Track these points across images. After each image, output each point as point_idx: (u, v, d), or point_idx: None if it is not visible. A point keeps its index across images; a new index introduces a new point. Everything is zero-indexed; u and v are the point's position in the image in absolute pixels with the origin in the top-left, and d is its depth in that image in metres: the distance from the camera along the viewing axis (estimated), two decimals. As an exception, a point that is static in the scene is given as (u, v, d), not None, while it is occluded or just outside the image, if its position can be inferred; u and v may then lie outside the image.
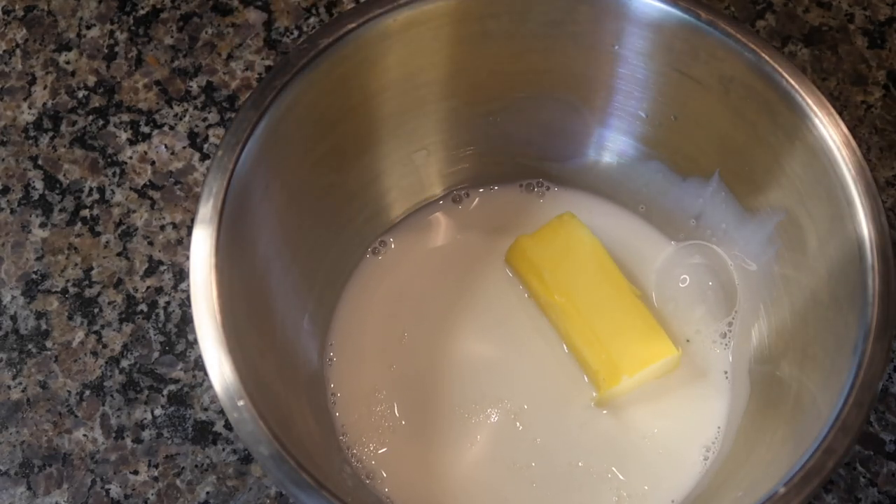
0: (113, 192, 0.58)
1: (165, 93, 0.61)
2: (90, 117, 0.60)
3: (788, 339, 0.48)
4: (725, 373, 0.52)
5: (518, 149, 0.55)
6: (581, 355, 0.52)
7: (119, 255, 0.57)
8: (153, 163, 0.59)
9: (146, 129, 0.60)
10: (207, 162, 0.59)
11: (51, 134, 0.60)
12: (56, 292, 0.56)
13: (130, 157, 0.59)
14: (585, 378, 0.52)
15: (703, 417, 0.51)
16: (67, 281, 0.56)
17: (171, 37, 0.62)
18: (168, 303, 0.56)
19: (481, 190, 0.57)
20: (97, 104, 0.60)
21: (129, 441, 0.53)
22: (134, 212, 0.58)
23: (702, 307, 0.54)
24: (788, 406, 0.46)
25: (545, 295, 0.53)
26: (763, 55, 0.45)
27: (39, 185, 0.58)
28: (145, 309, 0.55)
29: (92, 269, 0.56)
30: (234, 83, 0.61)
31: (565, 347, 0.53)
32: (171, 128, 0.60)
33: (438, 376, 0.52)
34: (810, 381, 0.45)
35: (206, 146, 0.59)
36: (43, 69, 0.61)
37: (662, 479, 0.50)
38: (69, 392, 0.54)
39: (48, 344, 0.55)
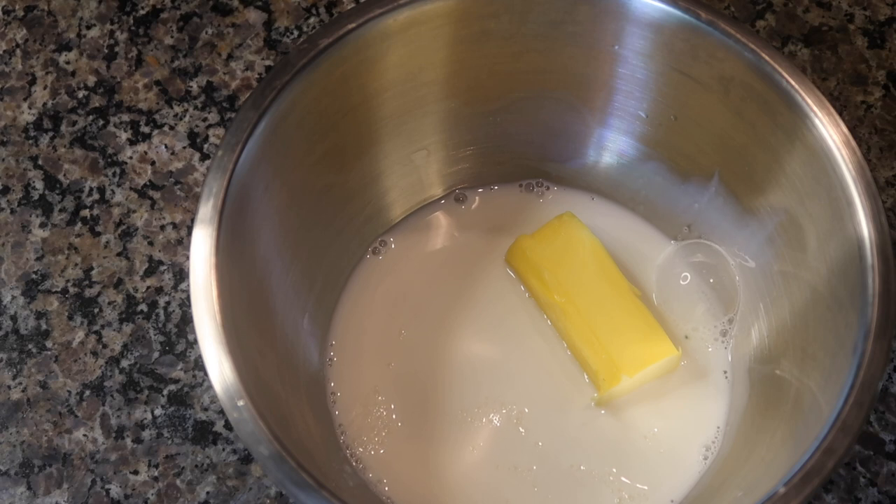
0: (113, 192, 0.58)
1: (165, 93, 0.61)
2: (90, 117, 0.60)
3: (788, 338, 0.48)
4: (725, 372, 0.52)
5: (518, 149, 0.55)
6: (581, 355, 0.52)
7: (119, 255, 0.57)
8: (153, 163, 0.59)
9: (146, 129, 0.60)
10: (207, 162, 0.59)
11: (51, 134, 0.60)
12: (56, 292, 0.56)
13: (130, 157, 0.59)
14: (586, 378, 0.52)
15: (703, 417, 0.51)
16: (67, 281, 0.56)
17: (171, 37, 0.62)
18: (168, 303, 0.56)
19: (481, 190, 0.57)
20: (97, 104, 0.60)
21: (129, 441, 0.53)
22: (134, 212, 0.58)
23: (702, 305, 0.54)
24: (788, 406, 0.46)
25: (545, 295, 0.53)
26: (763, 55, 0.45)
27: (39, 185, 0.58)
28: (145, 309, 0.55)
29: (92, 269, 0.56)
30: (234, 83, 0.61)
31: (565, 347, 0.53)
32: (171, 128, 0.60)
33: (438, 376, 0.52)
34: (810, 381, 0.45)
35: (206, 146, 0.59)
36: (43, 69, 0.61)
37: (662, 478, 0.50)
38: (69, 392, 0.54)
39: (48, 344, 0.55)
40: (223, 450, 0.53)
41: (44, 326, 0.55)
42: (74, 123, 0.60)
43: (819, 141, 0.44)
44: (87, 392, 0.54)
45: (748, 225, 0.51)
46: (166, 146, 0.59)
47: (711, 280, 0.54)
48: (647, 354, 0.50)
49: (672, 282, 0.55)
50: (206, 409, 0.53)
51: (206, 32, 0.62)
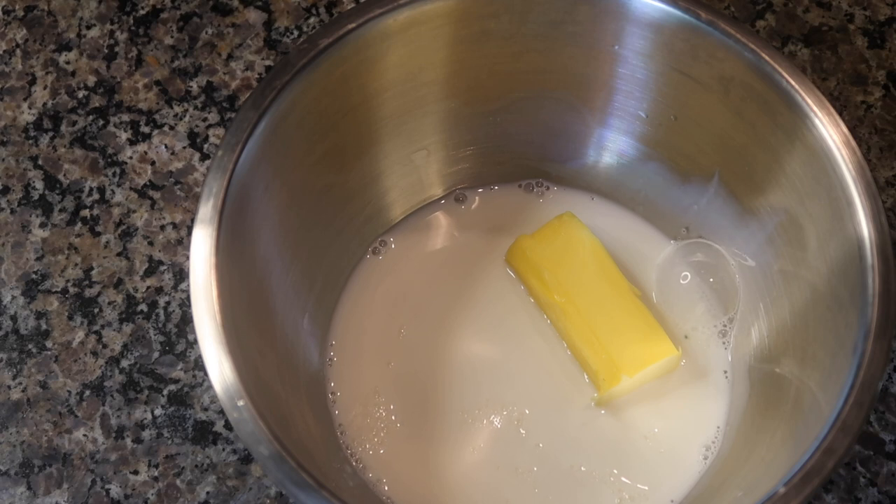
0: (113, 192, 0.58)
1: (165, 93, 0.61)
2: (90, 117, 0.60)
3: (788, 338, 0.48)
4: (725, 372, 0.52)
5: (518, 149, 0.55)
6: (581, 355, 0.52)
7: (119, 255, 0.57)
8: (153, 163, 0.59)
9: (146, 129, 0.60)
10: (207, 162, 0.59)
11: (51, 134, 0.60)
12: (56, 292, 0.56)
13: (130, 157, 0.59)
14: (586, 378, 0.52)
15: (703, 417, 0.51)
16: (67, 281, 0.56)
17: (171, 37, 0.62)
18: (168, 303, 0.56)
19: (481, 190, 0.57)
20: (97, 104, 0.60)
21: (129, 441, 0.53)
22: (134, 212, 0.58)
23: (702, 305, 0.54)
24: (788, 406, 0.46)
25: (545, 295, 0.53)
26: (763, 55, 0.45)
27: (39, 185, 0.58)
28: (145, 309, 0.55)
29: (92, 269, 0.56)
30: (234, 83, 0.61)
31: (565, 347, 0.53)
32: (171, 128, 0.60)
33: (439, 376, 0.52)
34: (810, 381, 0.45)
35: (206, 146, 0.59)
36: (43, 69, 0.61)
37: (662, 478, 0.50)
38: (69, 392, 0.54)
39: (48, 344, 0.55)
40: (223, 450, 0.53)
41: (44, 326, 0.55)
42: (74, 123, 0.60)
43: (819, 141, 0.44)
44: (87, 392, 0.54)
45: (748, 225, 0.51)
46: (166, 146, 0.59)
47: (711, 280, 0.54)
48: (647, 354, 0.50)
49: (672, 281, 0.55)
50: (206, 409, 0.53)
51: (206, 32, 0.62)
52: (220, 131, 0.60)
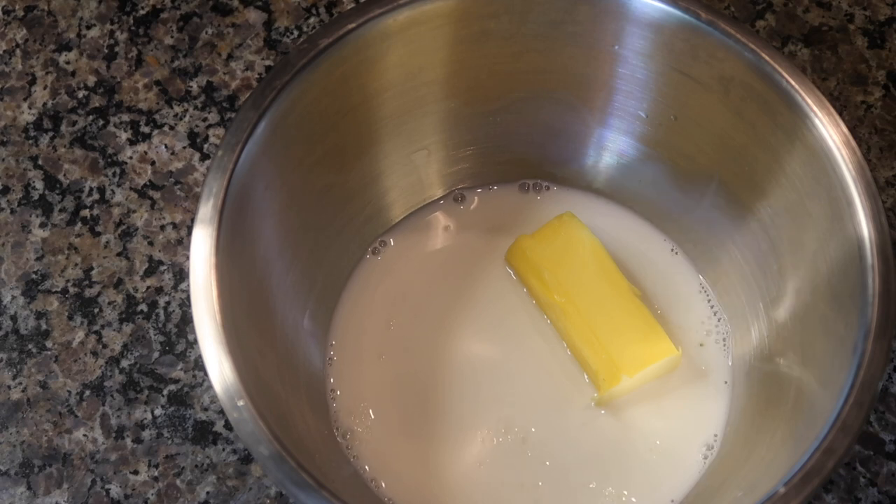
0: (113, 192, 0.58)
1: (165, 93, 0.61)
2: (90, 117, 0.60)
3: (788, 338, 0.48)
4: (725, 372, 0.52)
5: (518, 149, 0.55)
6: (581, 355, 0.52)
7: (119, 255, 0.57)
8: (153, 163, 0.59)
9: (146, 129, 0.60)
10: (207, 162, 0.59)
11: (51, 134, 0.60)
12: (56, 292, 0.56)
13: (130, 157, 0.59)
14: (586, 378, 0.52)
15: (703, 417, 0.51)
16: (67, 281, 0.56)
17: (171, 37, 0.62)
18: (168, 303, 0.56)
19: (481, 190, 0.57)
20: (97, 104, 0.60)
21: (129, 441, 0.53)
22: (134, 212, 0.58)
23: (702, 305, 0.54)
24: (788, 406, 0.46)
25: (545, 295, 0.53)
26: (763, 55, 0.45)
27: (39, 185, 0.58)
28: (145, 309, 0.55)
29: (92, 269, 0.56)
30: (234, 83, 0.61)
31: (565, 347, 0.53)
32: (171, 128, 0.60)
33: (438, 376, 0.52)
34: (810, 381, 0.45)
35: (206, 146, 0.59)
36: (43, 69, 0.61)
37: (662, 478, 0.50)
38: (69, 392, 0.54)
39: (48, 344, 0.55)
40: (223, 450, 0.53)
41: (44, 326, 0.55)
42: (74, 123, 0.60)
43: (819, 141, 0.44)
44: (87, 392, 0.54)
45: (748, 225, 0.51)
46: (166, 146, 0.59)
47: (711, 280, 0.54)
48: (647, 354, 0.50)
49: (672, 281, 0.55)
50: (206, 409, 0.53)
51: (206, 32, 0.62)
52: (220, 131, 0.60)
